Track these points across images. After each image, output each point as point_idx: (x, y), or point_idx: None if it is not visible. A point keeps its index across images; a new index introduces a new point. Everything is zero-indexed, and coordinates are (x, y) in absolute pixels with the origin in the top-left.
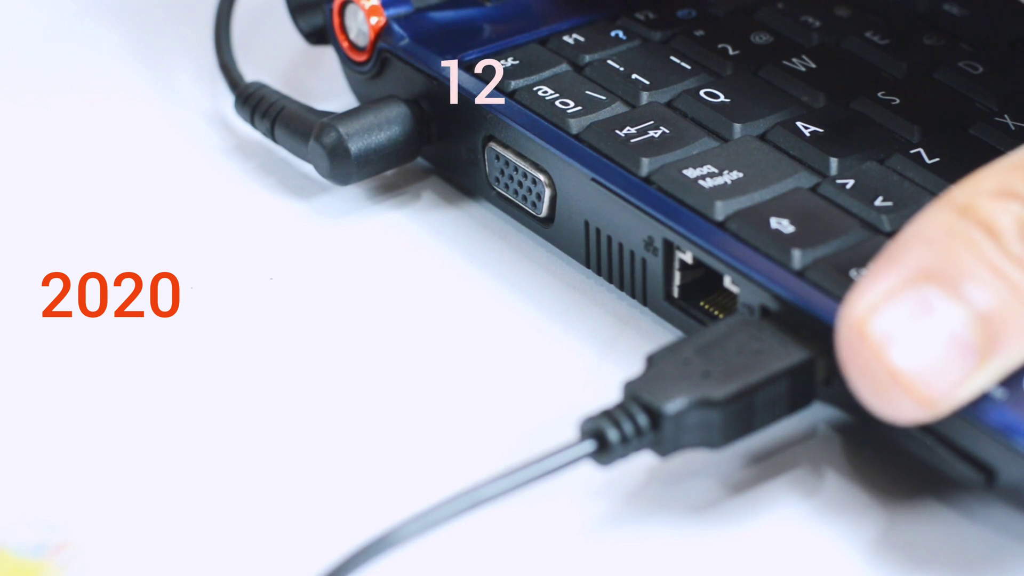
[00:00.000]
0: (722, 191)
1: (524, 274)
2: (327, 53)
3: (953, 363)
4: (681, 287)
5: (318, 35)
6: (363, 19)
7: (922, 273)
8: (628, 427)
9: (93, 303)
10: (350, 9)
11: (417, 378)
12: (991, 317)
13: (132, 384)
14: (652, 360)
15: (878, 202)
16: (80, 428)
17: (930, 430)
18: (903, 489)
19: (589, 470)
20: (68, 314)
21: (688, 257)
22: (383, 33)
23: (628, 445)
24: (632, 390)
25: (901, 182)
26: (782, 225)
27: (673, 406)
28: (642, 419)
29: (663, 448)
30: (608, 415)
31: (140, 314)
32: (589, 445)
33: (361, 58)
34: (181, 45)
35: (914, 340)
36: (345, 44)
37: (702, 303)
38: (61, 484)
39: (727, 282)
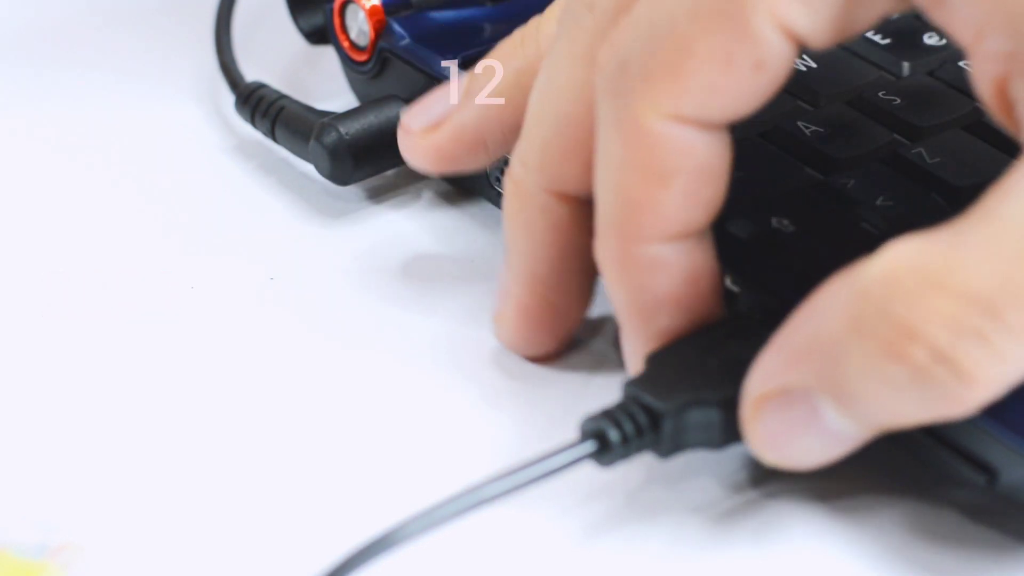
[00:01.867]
0: None
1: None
2: (327, 53)
3: (831, 451)
4: None
5: (318, 35)
6: (363, 19)
7: (815, 379)
8: (629, 427)
9: (93, 303)
10: (350, 9)
11: (417, 377)
12: (882, 424)
13: (132, 384)
14: (652, 360)
15: (878, 202)
16: (80, 429)
17: (932, 431)
18: (903, 489)
19: (590, 470)
20: (68, 314)
21: None
22: (383, 33)
23: (629, 446)
24: (632, 390)
25: (901, 182)
26: (783, 225)
27: (673, 406)
28: (642, 419)
29: (663, 449)
30: (609, 415)
31: (140, 314)
32: (590, 445)
33: (361, 58)
34: (181, 45)
35: (794, 442)
36: (345, 44)
37: None
38: (62, 485)
39: (728, 282)
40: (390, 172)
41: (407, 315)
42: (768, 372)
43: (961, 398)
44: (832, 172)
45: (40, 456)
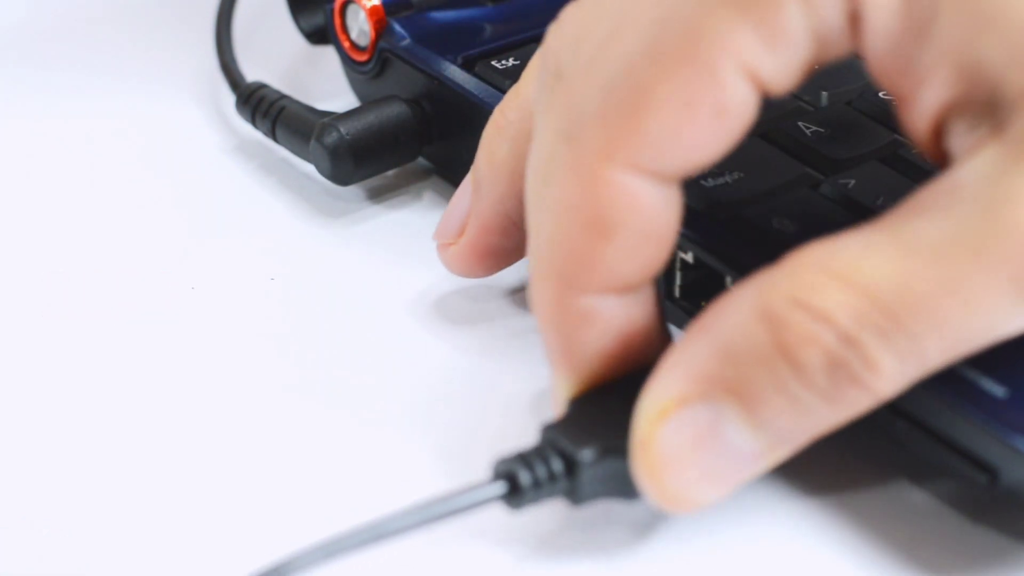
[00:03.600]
0: (723, 191)
1: (524, 274)
2: (328, 53)
3: (728, 480)
4: (682, 287)
5: (319, 35)
6: (364, 19)
7: (720, 386)
8: (542, 471)
9: (93, 303)
10: (351, 9)
11: (415, 378)
12: (784, 436)
13: (132, 385)
14: (575, 404)
15: (879, 202)
16: (79, 430)
17: (933, 431)
18: (904, 489)
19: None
20: (68, 314)
21: (689, 257)
22: (384, 33)
23: (540, 490)
24: (550, 434)
25: (901, 182)
26: (783, 225)
27: (589, 453)
28: (557, 464)
29: (577, 496)
30: (523, 458)
31: (141, 314)
32: (500, 487)
33: (362, 58)
34: (181, 45)
35: (698, 462)
36: (346, 44)
37: (703, 303)
38: (60, 487)
39: (728, 283)
40: (390, 172)
41: (406, 315)
42: (665, 388)
43: (869, 386)
44: (832, 172)
45: (38, 458)
